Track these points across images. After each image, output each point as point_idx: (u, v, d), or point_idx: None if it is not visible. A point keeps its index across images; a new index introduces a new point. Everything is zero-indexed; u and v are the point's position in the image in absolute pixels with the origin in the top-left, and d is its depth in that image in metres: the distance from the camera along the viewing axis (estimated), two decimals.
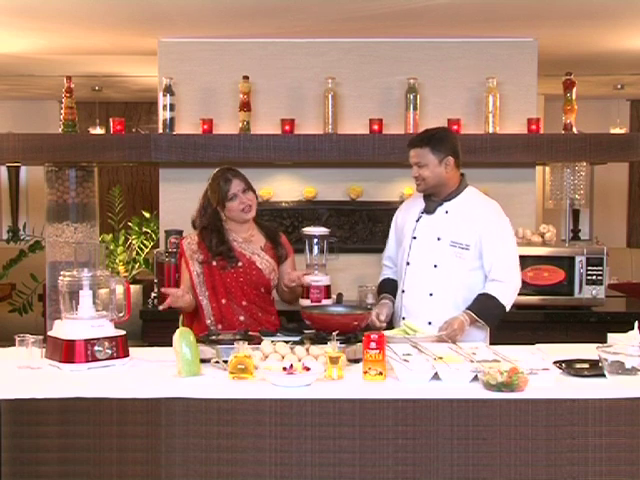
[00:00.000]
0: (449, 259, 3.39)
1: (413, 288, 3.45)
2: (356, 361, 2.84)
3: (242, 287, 3.50)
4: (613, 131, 6.57)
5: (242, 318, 3.47)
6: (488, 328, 3.41)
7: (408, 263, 3.46)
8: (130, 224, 5.83)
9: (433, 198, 3.47)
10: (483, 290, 3.36)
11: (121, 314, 2.99)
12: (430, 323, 3.34)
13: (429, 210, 3.47)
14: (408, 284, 3.47)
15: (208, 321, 3.48)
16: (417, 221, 3.49)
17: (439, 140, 3.40)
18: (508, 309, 3.39)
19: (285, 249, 3.65)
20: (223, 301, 3.48)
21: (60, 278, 2.98)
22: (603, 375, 2.64)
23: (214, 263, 3.49)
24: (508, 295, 3.37)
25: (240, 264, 3.50)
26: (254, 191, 3.54)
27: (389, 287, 3.58)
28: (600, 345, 2.77)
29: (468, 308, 3.31)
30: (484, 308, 3.33)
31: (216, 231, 3.51)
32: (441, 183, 3.41)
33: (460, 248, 3.38)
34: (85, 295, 2.92)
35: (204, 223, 3.55)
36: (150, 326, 4.63)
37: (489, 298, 3.34)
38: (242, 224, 3.55)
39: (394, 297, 3.53)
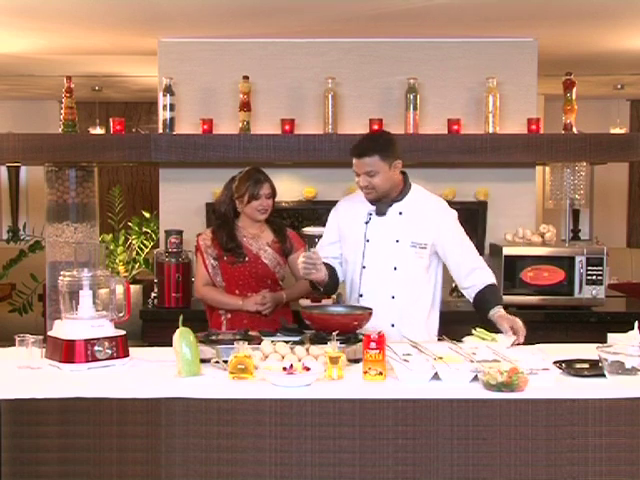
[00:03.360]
0: (409, 260, 3.37)
1: (373, 292, 3.40)
2: (356, 361, 2.84)
3: (249, 280, 3.80)
4: (613, 131, 6.57)
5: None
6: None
7: (364, 267, 3.41)
8: (130, 224, 5.83)
9: (382, 200, 3.41)
10: (483, 281, 3.38)
11: (121, 314, 2.99)
12: (393, 325, 3.34)
13: (380, 212, 3.41)
14: (366, 288, 3.42)
15: (221, 311, 3.83)
16: (367, 223, 3.42)
17: (386, 145, 3.34)
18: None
19: (291, 243, 3.89)
20: (236, 292, 3.81)
21: (60, 278, 2.98)
22: (603, 375, 2.63)
23: (225, 258, 3.81)
24: (489, 272, 3.46)
25: (247, 259, 3.79)
26: (275, 199, 3.85)
27: (327, 266, 3.45)
28: (600, 345, 2.77)
29: (496, 303, 3.34)
30: (499, 296, 3.43)
31: (227, 229, 3.81)
32: (392, 187, 3.37)
33: (420, 248, 3.38)
34: (85, 295, 2.92)
35: (218, 221, 3.89)
36: (150, 326, 4.63)
37: (494, 285, 3.41)
38: (253, 222, 3.82)
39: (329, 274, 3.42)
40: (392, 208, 3.41)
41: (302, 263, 3.24)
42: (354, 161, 3.34)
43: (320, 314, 3.22)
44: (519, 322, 3.20)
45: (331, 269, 3.45)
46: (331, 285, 3.46)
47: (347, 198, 3.69)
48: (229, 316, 3.82)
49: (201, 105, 4.97)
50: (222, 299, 3.82)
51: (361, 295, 3.43)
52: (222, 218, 3.88)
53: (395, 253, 3.38)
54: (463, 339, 3.17)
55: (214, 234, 3.86)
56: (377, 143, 3.34)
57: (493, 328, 3.29)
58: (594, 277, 4.63)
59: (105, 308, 2.96)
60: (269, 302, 3.74)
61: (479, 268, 3.41)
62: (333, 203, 4.97)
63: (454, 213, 3.49)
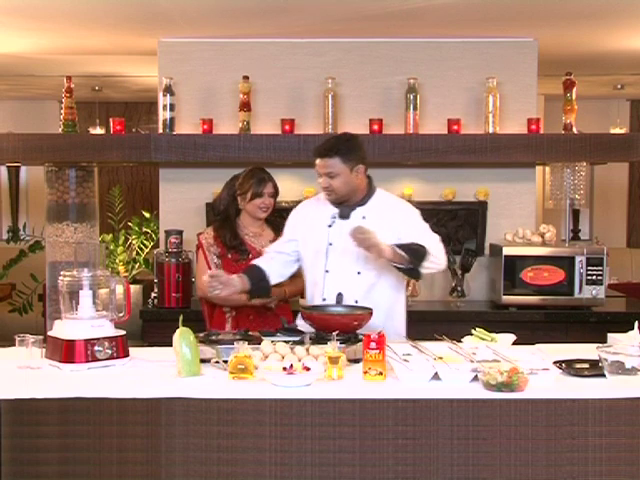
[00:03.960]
0: (373, 264, 3.34)
1: (335, 296, 3.37)
2: (356, 361, 2.84)
3: None
4: (613, 131, 6.58)
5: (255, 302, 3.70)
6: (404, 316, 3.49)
7: (327, 271, 3.37)
8: (130, 224, 5.83)
9: (345, 203, 3.39)
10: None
11: (121, 314, 2.99)
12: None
13: (344, 215, 3.38)
14: (330, 292, 3.38)
15: (225, 309, 3.83)
16: (330, 226, 3.39)
17: (349, 149, 3.32)
18: (425, 272, 3.31)
19: None
20: None
21: (60, 278, 2.98)
22: (603, 375, 2.64)
23: (229, 256, 3.84)
24: (436, 258, 3.32)
25: (251, 256, 3.79)
26: (276, 198, 3.91)
27: (252, 271, 3.46)
28: (600, 345, 2.77)
29: (407, 249, 3.23)
30: (410, 247, 3.26)
31: (230, 227, 3.87)
32: (352, 191, 3.35)
33: None
34: (85, 295, 2.92)
35: (219, 219, 3.93)
36: (150, 326, 4.63)
37: (423, 247, 3.28)
38: (254, 220, 3.87)
39: (252, 280, 3.41)
40: (355, 212, 3.38)
41: (207, 282, 3.28)
42: (316, 161, 3.33)
43: (320, 314, 3.22)
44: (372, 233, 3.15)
45: (261, 272, 3.44)
46: (262, 287, 3.47)
47: (311, 200, 3.67)
48: (234, 313, 3.81)
49: (201, 105, 4.96)
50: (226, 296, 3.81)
51: (324, 299, 3.40)
52: (223, 216, 3.91)
53: (358, 257, 3.33)
54: (463, 339, 3.17)
55: (216, 232, 3.89)
56: (340, 145, 3.33)
57: (493, 328, 3.29)
58: (594, 277, 4.63)
59: (105, 308, 2.96)
60: (274, 295, 3.72)
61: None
62: None
63: (417, 211, 3.48)
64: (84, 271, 2.95)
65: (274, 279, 3.51)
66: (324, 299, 3.39)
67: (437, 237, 3.41)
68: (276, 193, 3.88)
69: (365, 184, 3.40)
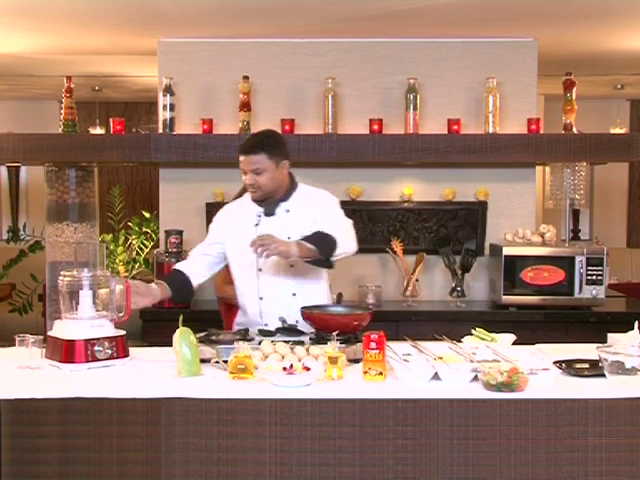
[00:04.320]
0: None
1: (273, 293, 3.37)
2: (356, 361, 2.84)
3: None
4: (613, 131, 6.58)
5: None
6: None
7: (260, 269, 3.35)
8: (130, 224, 5.84)
9: (269, 200, 3.38)
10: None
11: (121, 314, 2.98)
12: (297, 322, 3.26)
13: (269, 212, 3.38)
14: (265, 290, 3.37)
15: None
16: (257, 225, 3.37)
17: (274, 144, 3.33)
18: (336, 259, 3.21)
19: None
20: None
21: (60, 278, 2.98)
22: (603, 375, 2.63)
23: None
24: (342, 244, 3.21)
25: None
26: None
27: (174, 276, 3.42)
28: (600, 345, 2.77)
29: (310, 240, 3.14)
30: (317, 237, 3.17)
31: None
32: (278, 187, 3.35)
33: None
34: (85, 295, 2.92)
35: None
36: (150, 326, 4.63)
37: (328, 235, 3.19)
38: None
39: (174, 285, 3.38)
40: (280, 207, 3.38)
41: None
42: (241, 158, 3.31)
43: (320, 314, 3.22)
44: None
45: (183, 276, 3.41)
46: (185, 292, 3.44)
47: (233, 203, 3.62)
48: None
49: (201, 105, 4.97)
50: None
51: (261, 298, 3.38)
52: None
53: None
54: (463, 339, 3.17)
55: None
56: (265, 141, 3.33)
57: (493, 328, 3.29)
58: (594, 277, 4.63)
59: (105, 308, 2.96)
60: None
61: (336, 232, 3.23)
62: None
63: (335, 199, 3.47)
64: (84, 271, 2.95)
65: (196, 282, 3.46)
66: (261, 297, 3.38)
67: (349, 222, 3.38)
68: None
69: (288, 180, 3.41)
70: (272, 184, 3.32)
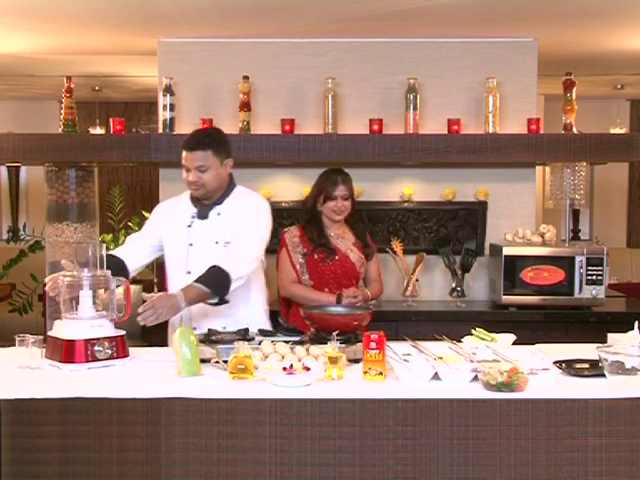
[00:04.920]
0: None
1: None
2: (356, 361, 2.84)
3: (338, 278, 3.87)
4: (613, 131, 6.58)
5: None
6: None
7: (189, 272, 3.29)
8: (130, 224, 5.82)
9: (204, 202, 3.36)
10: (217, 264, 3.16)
11: (121, 314, 2.98)
12: (224, 328, 3.21)
13: (202, 215, 3.36)
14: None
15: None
16: (189, 227, 3.36)
17: (219, 142, 3.31)
18: (230, 293, 3.16)
19: (371, 248, 4.07)
20: (326, 290, 3.85)
21: (60, 278, 2.97)
22: (603, 375, 2.64)
23: (315, 256, 3.87)
24: (236, 276, 3.15)
25: (337, 257, 3.88)
26: (354, 201, 3.96)
27: (110, 261, 3.12)
28: (600, 345, 2.77)
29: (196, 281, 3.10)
30: (210, 278, 3.12)
31: (317, 226, 3.92)
32: (220, 185, 3.33)
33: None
34: (85, 295, 2.92)
35: (307, 215, 3.99)
36: (150, 326, 4.61)
37: (219, 269, 3.13)
38: (333, 223, 3.93)
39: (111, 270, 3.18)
40: (213, 210, 3.36)
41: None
42: (185, 155, 3.28)
43: (320, 314, 3.22)
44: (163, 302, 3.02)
45: (120, 262, 3.31)
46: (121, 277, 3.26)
47: (171, 200, 3.58)
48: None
49: (201, 105, 4.96)
50: (314, 296, 3.79)
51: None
52: (310, 214, 3.97)
53: (217, 255, 3.24)
54: (463, 339, 3.17)
55: (303, 230, 3.92)
56: (210, 138, 3.31)
57: (493, 328, 3.29)
58: (594, 277, 4.63)
59: (105, 308, 2.96)
60: (360, 296, 3.81)
61: (235, 255, 3.21)
62: None
63: (266, 206, 3.41)
64: (84, 271, 2.95)
65: (133, 267, 3.40)
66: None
67: (265, 236, 3.34)
68: (351, 196, 3.91)
69: (228, 181, 3.39)
70: (216, 182, 3.30)
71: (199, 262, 3.24)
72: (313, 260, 3.87)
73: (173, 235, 3.37)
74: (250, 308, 3.43)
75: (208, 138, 3.31)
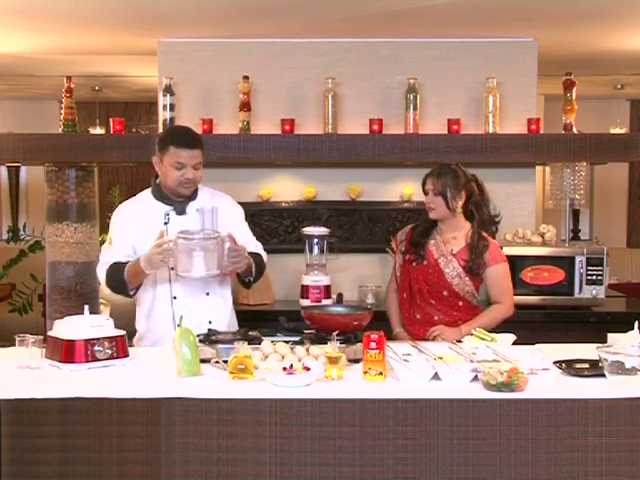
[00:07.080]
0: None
1: (186, 292, 3.33)
2: (356, 361, 2.84)
3: (422, 286, 3.67)
4: (613, 131, 6.58)
5: (436, 317, 3.64)
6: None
7: (172, 268, 3.24)
8: None
9: (177, 199, 3.37)
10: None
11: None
12: (210, 322, 3.28)
13: (181, 211, 3.37)
14: (179, 289, 3.33)
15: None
16: (166, 224, 3.34)
17: (201, 140, 3.39)
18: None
19: (481, 263, 3.63)
20: (404, 295, 3.73)
21: (172, 241, 3.10)
22: (603, 375, 2.64)
23: (407, 256, 3.72)
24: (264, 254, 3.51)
25: (426, 263, 3.67)
26: (446, 198, 3.59)
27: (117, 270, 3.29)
28: (600, 345, 2.77)
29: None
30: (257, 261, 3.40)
31: (427, 224, 3.72)
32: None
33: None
34: (198, 255, 3.09)
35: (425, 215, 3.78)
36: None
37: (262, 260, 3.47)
38: (447, 224, 3.67)
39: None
40: (190, 206, 3.38)
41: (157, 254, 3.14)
42: (184, 153, 3.27)
43: (320, 314, 3.22)
44: None
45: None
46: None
47: (128, 202, 3.54)
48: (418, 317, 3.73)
49: (201, 105, 4.96)
50: (392, 320, 3.82)
51: (175, 297, 3.34)
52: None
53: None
54: (463, 339, 3.17)
55: (414, 227, 3.79)
56: (198, 136, 3.42)
57: (493, 329, 3.29)
58: (594, 277, 4.63)
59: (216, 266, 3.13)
60: (439, 334, 3.52)
61: (259, 247, 3.51)
62: (333, 203, 5.02)
63: (241, 209, 3.58)
64: (196, 233, 3.13)
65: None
66: (174, 297, 3.34)
67: (253, 237, 3.57)
68: (443, 192, 3.57)
69: None
70: (200, 180, 3.38)
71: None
72: (405, 259, 3.74)
73: (147, 236, 3.29)
74: (222, 303, 3.49)
75: (197, 136, 3.41)
